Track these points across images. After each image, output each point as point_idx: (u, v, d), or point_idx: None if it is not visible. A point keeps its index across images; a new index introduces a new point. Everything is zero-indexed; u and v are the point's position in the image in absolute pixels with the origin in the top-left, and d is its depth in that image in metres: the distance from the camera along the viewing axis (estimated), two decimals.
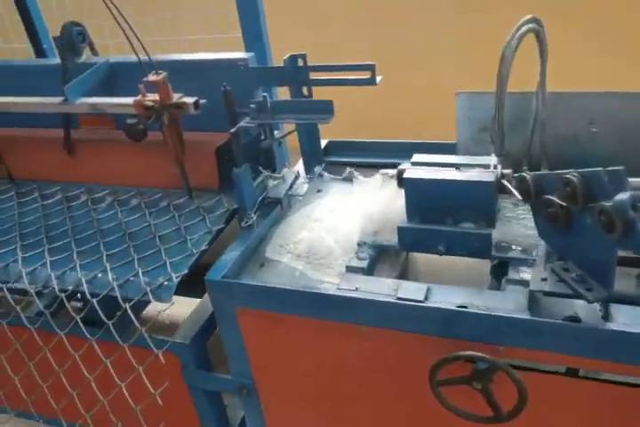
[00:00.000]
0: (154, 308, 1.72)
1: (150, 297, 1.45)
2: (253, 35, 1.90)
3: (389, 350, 1.38)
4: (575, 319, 1.18)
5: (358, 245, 1.53)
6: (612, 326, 1.15)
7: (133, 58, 1.83)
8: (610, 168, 1.06)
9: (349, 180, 1.86)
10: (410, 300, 1.30)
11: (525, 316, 1.22)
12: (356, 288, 1.38)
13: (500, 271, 1.42)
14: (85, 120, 2.04)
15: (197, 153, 1.76)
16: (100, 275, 1.55)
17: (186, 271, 1.50)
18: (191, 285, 1.49)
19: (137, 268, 1.53)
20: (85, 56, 2.02)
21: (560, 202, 1.16)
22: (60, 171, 2.02)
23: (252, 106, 1.64)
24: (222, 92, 1.62)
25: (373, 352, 1.40)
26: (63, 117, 1.95)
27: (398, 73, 1.80)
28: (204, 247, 1.57)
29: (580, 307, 1.22)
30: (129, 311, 1.45)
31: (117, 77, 1.93)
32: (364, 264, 1.46)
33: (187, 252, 1.57)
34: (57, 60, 1.96)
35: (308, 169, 1.96)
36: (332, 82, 1.77)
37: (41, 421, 1.76)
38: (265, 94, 1.64)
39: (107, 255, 1.61)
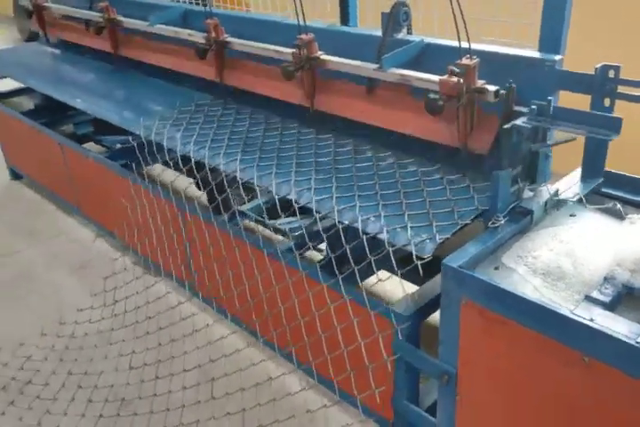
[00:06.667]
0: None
1: (412, 248, 1.67)
2: (553, 30, 1.83)
3: (611, 391, 1.30)
4: None
5: (605, 279, 1.46)
6: None
7: (445, 41, 2.05)
8: None
9: (617, 214, 1.71)
10: None
11: None
12: (592, 319, 1.31)
13: None
14: None
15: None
16: (372, 218, 1.83)
17: (448, 236, 1.69)
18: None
19: (406, 221, 1.78)
20: (402, 33, 2.30)
21: None
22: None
23: (533, 107, 1.68)
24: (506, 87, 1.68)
25: (591, 387, 1.34)
26: None
27: None
28: (467, 221, 1.74)
29: None
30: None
31: (425, 56, 2.15)
32: (607, 299, 1.38)
33: (451, 220, 1.76)
34: (377, 33, 2.25)
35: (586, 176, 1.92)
36: None
37: (260, 340, 2.19)
38: (551, 98, 1.67)
39: (382, 204, 1.88)
